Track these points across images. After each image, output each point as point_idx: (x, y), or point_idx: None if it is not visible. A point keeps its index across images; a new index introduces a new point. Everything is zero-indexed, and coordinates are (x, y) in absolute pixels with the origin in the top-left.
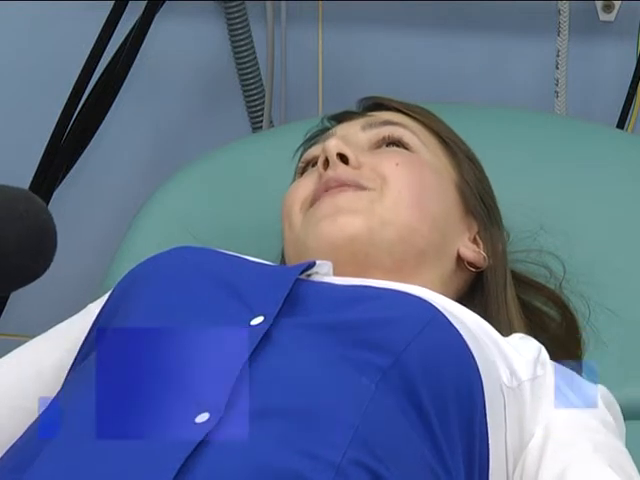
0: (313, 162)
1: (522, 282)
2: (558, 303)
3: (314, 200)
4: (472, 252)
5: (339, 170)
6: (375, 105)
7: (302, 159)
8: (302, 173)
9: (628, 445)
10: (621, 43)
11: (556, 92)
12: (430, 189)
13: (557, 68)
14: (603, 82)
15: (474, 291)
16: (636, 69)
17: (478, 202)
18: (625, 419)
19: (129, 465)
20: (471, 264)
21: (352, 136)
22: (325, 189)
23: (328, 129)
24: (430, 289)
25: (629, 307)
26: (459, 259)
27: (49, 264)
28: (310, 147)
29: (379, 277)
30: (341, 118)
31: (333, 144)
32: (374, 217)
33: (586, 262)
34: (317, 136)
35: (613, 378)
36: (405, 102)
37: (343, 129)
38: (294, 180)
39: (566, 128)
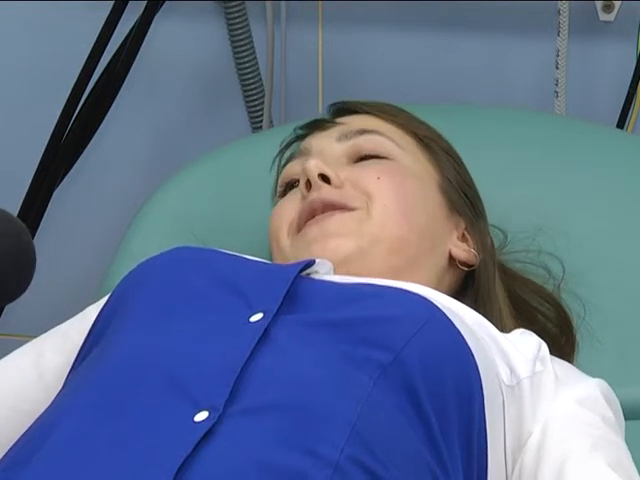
0: (292, 183)
1: (517, 280)
2: (551, 302)
3: (300, 225)
4: (463, 252)
5: (322, 192)
6: (346, 110)
7: (281, 180)
8: (283, 193)
9: (628, 445)
10: (621, 43)
11: (556, 92)
12: (414, 197)
13: (557, 68)
14: (603, 82)
15: (466, 284)
16: (636, 69)
17: (462, 198)
18: (625, 419)
19: (129, 464)
20: (463, 263)
21: (327, 150)
22: (310, 212)
23: (303, 137)
24: (424, 285)
25: (629, 307)
26: (451, 259)
27: (26, 286)
28: (287, 162)
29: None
30: (313, 127)
31: (313, 165)
32: (363, 237)
33: (586, 262)
34: (290, 145)
35: (613, 378)
36: (376, 103)
37: (318, 142)
38: (274, 199)
39: (566, 128)
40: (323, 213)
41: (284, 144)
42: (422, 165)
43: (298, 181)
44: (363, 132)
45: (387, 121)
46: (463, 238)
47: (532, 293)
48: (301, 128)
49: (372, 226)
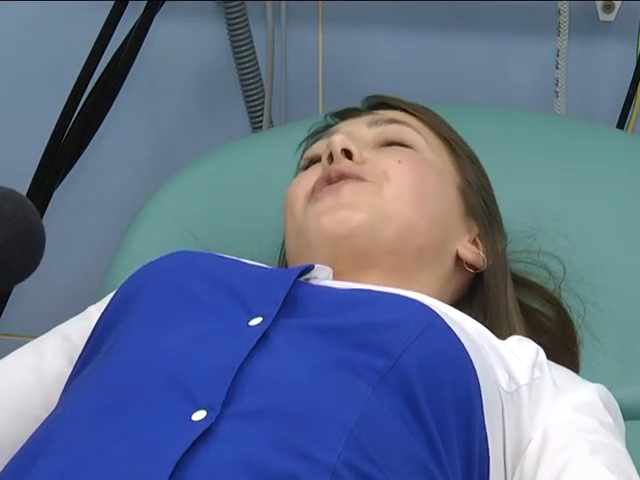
0: (316, 159)
1: (517, 281)
2: (551, 301)
3: (314, 191)
4: (471, 253)
5: (342, 164)
6: (380, 104)
7: (305, 156)
8: (306, 168)
9: (628, 445)
10: (621, 43)
11: (556, 92)
12: (431, 188)
13: (557, 68)
14: (603, 82)
15: (473, 292)
16: (636, 69)
17: (479, 203)
18: (625, 419)
19: (128, 461)
20: (470, 265)
21: (357, 132)
22: (326, 180)
23: (331, 126)
24: (429, 290)
25: (629, 307)
26: (458, 260)
27: (36, 266)
28: (313, 143)
29: (378, 277)
30: (345, 115)
31: (338, 139)
32: (375, 211)
33: (586, 262)
34: (320, 132)
35: (613, 378)
36: (410, 102)
37: (348, 125)
38: (296, 174)
39: (566, 128)
40: (337, 182)
41: (313, 129)
42: (445, 164)
43: (321, 158)
44: (393, 122)
45: (417, 118)
46: (474, 243)
47: (533, 295)
48: (332, 116)
49: (384, 202)
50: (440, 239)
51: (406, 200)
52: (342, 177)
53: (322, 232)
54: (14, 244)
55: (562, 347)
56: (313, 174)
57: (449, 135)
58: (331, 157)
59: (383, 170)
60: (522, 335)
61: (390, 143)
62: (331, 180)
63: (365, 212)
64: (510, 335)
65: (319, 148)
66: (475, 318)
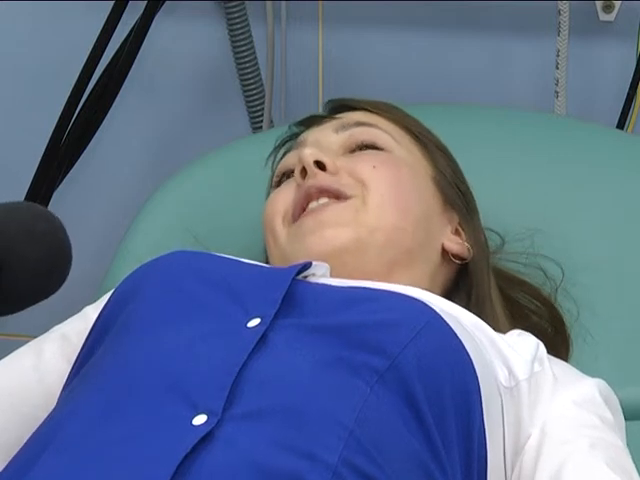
0: (288, 173)
1: (508, 280)
2: (542, 300)
3: (296, 214)
4: (456, 244)
5: (318, 178)
6: (342, 107)
7: (277, 172)
8: (278, 184)
9: (628, 445)
10: (621, 43)
11: (556, 92)
12: (409, 187)
13: (557, 68)
14: (603, 82)
15: (459, 282)
16: (636, 69)
17: (456, 192)
18: (625, 419)
19: (127, 466)
20: (456, 256)
21: (325, 140)
22: (305, 198)
23: (297, 135)
24: (419, 285)
25: (629, 307)
26: (444, 252)
27: (62, 284)
28: (283, 156)
29: (370, 279)
30: (309, 123)
31: (309, 152)
32: (360, 225)
33: (585, 263)
34: (286, 143)
35: (613, 378)
36: (373, 100)
37: (314, 134)
38: (268, 192)
39: (566, 128)
40: (318, 199)
41: (280, 141)
42: (417, 159)
43: (294, 171)
44: (360, 124)
45: (383, 117)
46: (456, 232)
47: (523, 292)
48: (297, 124)
49: (368, 216)
50: (425, 236)
51: (389, 207)
52: (322, 192)
53: (309, 252)
54: (45, 263)
55: (552, 345)
56: (287, 191)
57: (416, 128)
58: (304, 171)
59: (359, 178)
60: (507, 324)
61: (360, 147)
62: (312, 197)
63: (350, 227)
64: (495, 325)
65: (290, 162)
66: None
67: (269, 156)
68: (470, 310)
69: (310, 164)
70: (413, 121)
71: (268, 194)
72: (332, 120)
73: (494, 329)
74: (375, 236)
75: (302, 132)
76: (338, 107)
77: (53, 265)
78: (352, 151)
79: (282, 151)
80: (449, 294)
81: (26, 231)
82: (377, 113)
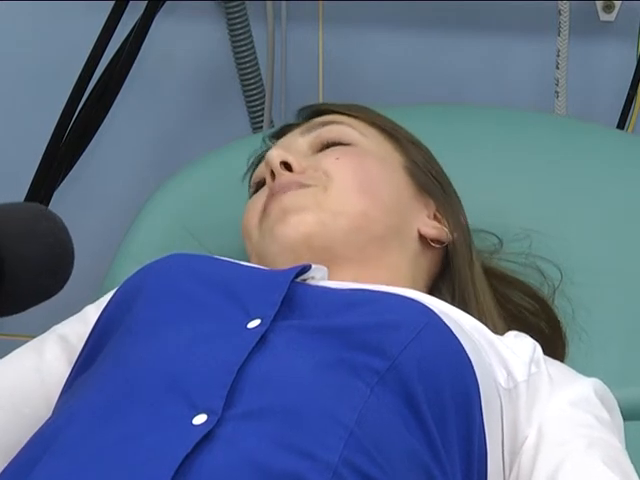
0: (262, 182)
1: (501, 278)
2: (535, 298)
3: (265, 209)
4: (432, 229)
5: (283, 178)
6: (313, 113)
7: (252, 183)
8: (254, 194)
9: (628, 445)
10: (621, 43)
11: (556, 92)
12: (375, 175)
13: (557, 68)
14: (603, 82)
15: (444, 271)
16: (636, 69)
17: (429, 179)
18: (625, 419)
19: (128, 466)
20: (434, 240)
21: (292, 144)
22: (272, 196)
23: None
24: (401, 273)
25: (628, 308)
26: (422, 239)
27: (64, 284)
28: (256, 168)
29: (349, 271)
30: (282, 133)
31: (275, 154)
32: (323, 211)
33: (585, 263)
34: (262, 156)
35: (613, 378)
36: (342, 103)
37: (283, 140)
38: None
39: (566, 128)
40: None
41: (256, 155)
42: (386, 150)
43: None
44: (326, 124)
45: (351, 116)
46: (435, 218)
47: (519, 291)
48: (270, 137)
49: (330, 201)
50: (398, 222)
51: (351, 192)
52: (285, 188)
53: (278, 241)
54: (46, 263)
55: (548, 343)
56: (261, 196)
57: (385, 124)
58: (273, 175)
59: (324, 171)
60: (500, 322)
61: (327, 145)
62: (275, 192)
63: (312, 212)
64: (477, 307)
65: (262, 171)
66: (445, 297)
67: (245, 173)
68: (453, 298)
69: (275, 164)
70: (383, 118)
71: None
72: (301, 125)
73: (485, 324)
74: (339, 220)
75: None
76: (309, 114)
77: (55, 265)
78: (320, 150)
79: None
80: (436, 283)
81: (27, 231)
82: (346, 113)
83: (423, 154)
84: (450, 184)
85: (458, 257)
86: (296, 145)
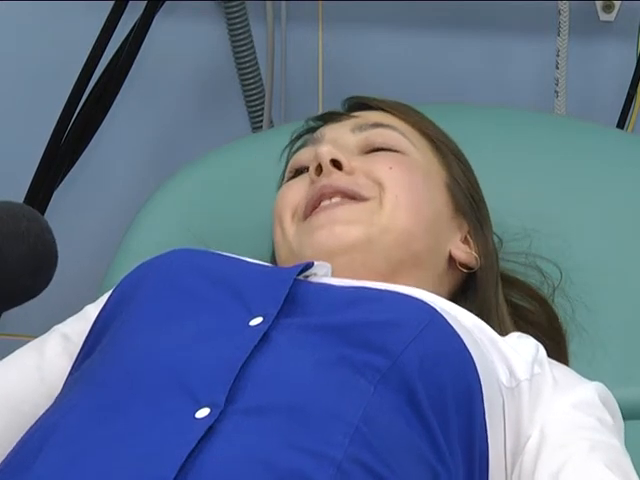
0: (302, 169)
1: (505, 279)
2: (537, 299)
3: (307, 211)
4: (464, 253)
5: (333, 177)
6: (361, 105)
7: (290, 166)
8: (291, 179)
9: (628, 445)
10: (621, 43)
11: (556, 92)
12: (423, 192)
13: (557, 68)
14: (603, 82)
15: (466, 290)
16: (636, 69)
17: (468, 201)
18: (625, 419)
19: (131, 461)
20: (463, 265)
21: (341, 139)
22: (319, 197)
23: (314, 129)
24: (423, 288)
25: (628, 308)
26: (451, 259)
27: (47, 284)
28: (298, 150)
29: (373, 279)
30: (327, 119)
31: (326, 150)
32: (373, 226)
33: (585, 263)
34: (303, 136)
35: (613, 378)
36: (390, 101)
37: (331, 131)
38: (280, 184)
39: (566, 128)
40: (331, 199)
41: (295, 135)
42: (432, 164)
43: (308, 168)
44: (378, 126)
45: (400, 119)
46: (465, 241)
47: (519, 290)
48: (314, 119)
49: (383, 217)
50: (434, 242)
51: (403, 209)
52: (337, 192)
53: (317, 247)
54: (27, 263)
55: (550, 342)
56: (300, 185)
57: (433, 133)
58: (319, 168)
59: (376, 179)
60: (513, 331)
61: (376, 149)
62: (325, 197)
63: (362, 226)
64: (502, 332)
65: (305, 158)
66: None
67: (285, 148)
68: (478, 317)
69: (327, 162)
70: (431, 125)
71: (279, 187)
72: (350, 119)
73: (501, 335)
74: (385, 237)
75: (319, 127)
76: (356, 105)
77: (37, 265)
78: (367, 152)
79: (298, 143)
80: (455, 301)
81: (9, 231)
82: (394, 114)
83: (464, 170)
84: (483, 201)
85: (483, 283)
86: (345, 141)
